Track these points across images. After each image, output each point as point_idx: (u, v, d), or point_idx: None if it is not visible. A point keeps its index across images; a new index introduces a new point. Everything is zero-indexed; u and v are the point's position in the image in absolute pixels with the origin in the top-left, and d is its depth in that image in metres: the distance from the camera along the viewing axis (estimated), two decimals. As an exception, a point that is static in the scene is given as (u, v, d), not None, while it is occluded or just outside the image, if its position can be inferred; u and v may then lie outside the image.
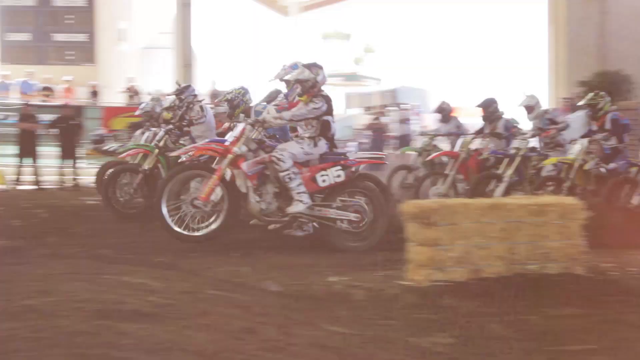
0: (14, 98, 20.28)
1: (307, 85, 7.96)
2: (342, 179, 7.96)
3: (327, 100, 8.00)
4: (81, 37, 25.26)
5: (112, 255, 7.31)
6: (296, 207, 7.80)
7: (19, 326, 4.13)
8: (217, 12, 28.10)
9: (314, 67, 8.04)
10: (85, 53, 25.23)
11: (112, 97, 21.59)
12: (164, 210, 7.72)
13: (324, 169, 7.95)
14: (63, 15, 25.19)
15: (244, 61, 27.98)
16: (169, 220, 7.73)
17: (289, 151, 7.83)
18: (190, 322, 4.47)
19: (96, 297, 4.90)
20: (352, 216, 7.97)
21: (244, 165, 7.80)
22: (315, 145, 7.98)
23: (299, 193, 7.78)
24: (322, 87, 8.09)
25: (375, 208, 8.02)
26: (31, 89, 20.85)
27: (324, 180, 7.93)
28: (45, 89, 20.50)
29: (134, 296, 5.01)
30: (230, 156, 7.79)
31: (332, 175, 7.96)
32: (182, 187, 8.00)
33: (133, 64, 24.53)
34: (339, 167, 7.96)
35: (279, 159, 7.75)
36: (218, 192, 7.82)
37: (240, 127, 7.99)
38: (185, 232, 7.75)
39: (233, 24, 28.96)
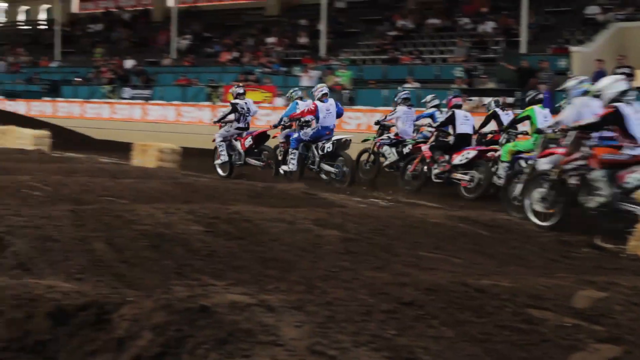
0: None
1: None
2: (251, 143, 15.10)
3: (233, 105, 15.39)
4: None
5: None
6: (217, 161, 15.39)
7: None
8: None
9: (234, 87, 16.11)
10: None
11: None
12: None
13: (246, 139, 15.14)
14: None
15: None
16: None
17: (219, 133, 15.44)
18: None
19: None
20: (258, 164, 15.18)
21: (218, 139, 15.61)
22: (231, 127, 15.29)
23: (220, 155, 15.32)
24: (238, 99, 15.44)
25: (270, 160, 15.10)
26: None
27: (246, 144, 15.08)
28: None
29: None
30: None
31: (247, 142, 15.11)
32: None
33: None
34: (250, 137, 15.11)
35: (214, 138, 15.47)
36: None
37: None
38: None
39: None
